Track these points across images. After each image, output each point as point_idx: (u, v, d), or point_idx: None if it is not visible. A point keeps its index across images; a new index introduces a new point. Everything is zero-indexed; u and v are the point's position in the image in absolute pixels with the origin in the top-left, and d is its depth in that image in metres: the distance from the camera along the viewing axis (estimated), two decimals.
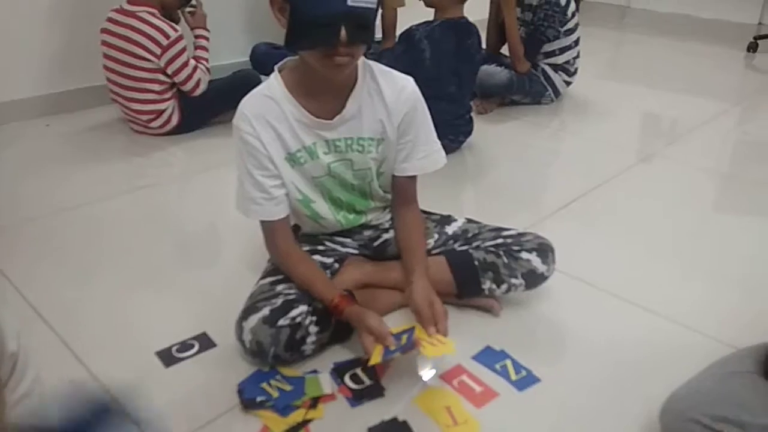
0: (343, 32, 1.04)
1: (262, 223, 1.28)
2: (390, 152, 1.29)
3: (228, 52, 2.92)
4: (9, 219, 1.77)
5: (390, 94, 1.24)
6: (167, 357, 1.27)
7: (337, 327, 1.25)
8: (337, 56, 1.08)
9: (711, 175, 2.31)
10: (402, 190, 1.36)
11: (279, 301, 1.21)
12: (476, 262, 1.34)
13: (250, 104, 1.21)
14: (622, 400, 1.18)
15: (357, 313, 1.18)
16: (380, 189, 1.36)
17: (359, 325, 1.17)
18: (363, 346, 1.16)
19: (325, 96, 1.20)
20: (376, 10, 1.11)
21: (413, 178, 1.34)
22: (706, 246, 1.79)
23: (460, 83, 2.22)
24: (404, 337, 1.15)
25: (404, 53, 2.16)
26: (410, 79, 1.28)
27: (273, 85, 1.21)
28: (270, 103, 1.20)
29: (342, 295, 1.21)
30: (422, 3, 2.21)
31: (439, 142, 1.35)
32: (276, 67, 1.23)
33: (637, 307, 1.48)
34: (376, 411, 1.14)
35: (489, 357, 1.29)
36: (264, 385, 1.17)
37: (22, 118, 2.50)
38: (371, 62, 1.25)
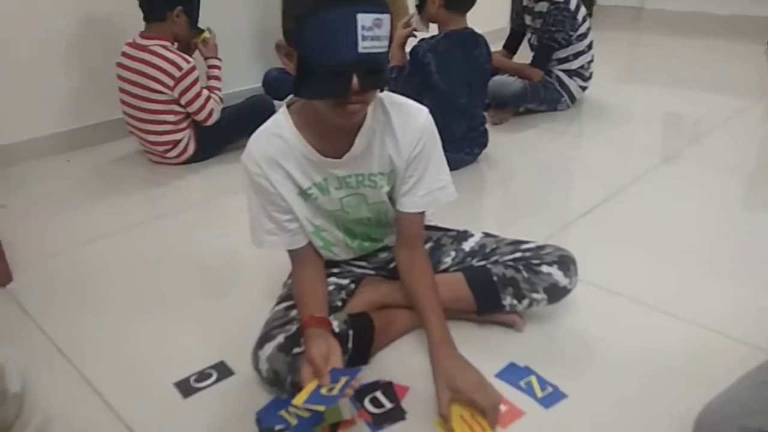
0: (355, 80, 0.97)
1: (289, 251, 1.26)
2: (399, 183, 1.24)
3: (241, 79, 2.96)
4: (30, 255, 1.79)
5: (400, 128, 1.17)
6: (186, 387, 1.26)
7: (354, 350, 1.22)
8: (350, 105, 1.02)
9: (737, 174, 2.24)
10: (405, 229, 1.26)
11: (293, 327, 1.20)
12: (495, 278, 1.30)
13: (257, 143, 1.18)
14: (654, 413, 1.13)
15: (308, 337, 1.11)
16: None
17: (305, 352, 1.11)
18: (300, 376, 1.07)
19: (333, 135, 1.15)
20: (388, 51, 1.02)
21: (418, 215, 1.25)
22: (734, 247, 1.72)
23: (471, 94, 2.20)
24: (343, 380, 1.03)
25: (411, 72, 2.16)
26: (424, 110, 1.21)
27: (281, 122, 1.17)
28: (278, 141, 1.16)
29: (314, 316, 1.16)
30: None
31: (448, 179, 1.25)
32: (285, 102, 1.21)
33: (666, 315, 1.43)
34: None
35: (513, 374, 1.25)
36: (282, 412, 1.15)
37: (44, 155, 2.55)
38: (383, 93, 1.18)
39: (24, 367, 0.81)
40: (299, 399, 1.01)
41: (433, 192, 1.23)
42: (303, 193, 1.21)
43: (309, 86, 1.02)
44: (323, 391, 1.02)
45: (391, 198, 1.26)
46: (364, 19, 0.94)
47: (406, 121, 1.18)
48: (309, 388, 1.03)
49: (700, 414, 0.96)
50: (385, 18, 0.97)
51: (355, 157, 1.17)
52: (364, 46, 0.95)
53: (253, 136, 1.19)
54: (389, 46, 1.02)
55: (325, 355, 1.07)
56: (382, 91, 1.11)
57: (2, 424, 0.69)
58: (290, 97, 1.20)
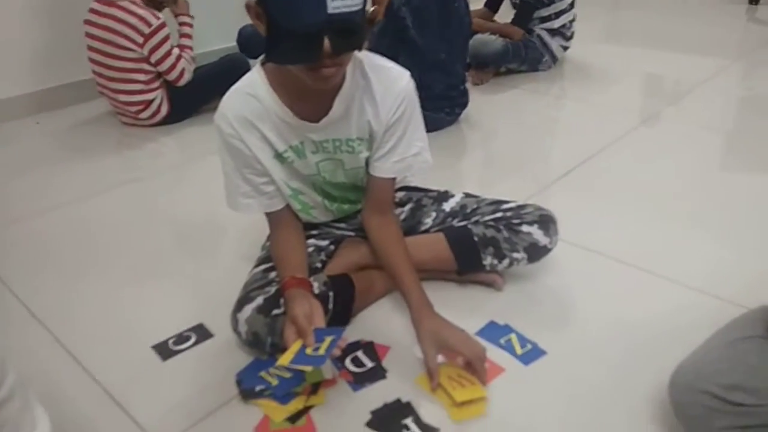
0: (327, 43, 0.92)
1: (267, 214, 1.24)
2: (375, 148, 1.20)
3: (215, 38, 2.86)
4: (0, 219, 1.75)
5: (380, 93, 1.13)
6: (164, 350, 1.24)
7: (335, 310, 1.21)
8: (324, 68, 0.97)
9: (716, 133, 2.25)
10: (375, 194, 1.24)
11: (272, 289, 1.18)
12: (476, 238, 1.30)
13: (231, 103, 1.13)
14: (634, 371, 1.14)
15: (289, 298, 1.10)
16: None
17: (287, 312, 1.10)
18: (283, 336, 1.07)
19: (310, 97, 1.10)
20: (363, 9, 0.96)
21: (390, 181, 1.23)
22: (715, 206, 1.74)
23: (450, 50, 2.15)
24: (328, 340, 1.02)
25: (386, 26, 2.09)
26: (405, 74, 1.16)
27: (256, 81, 1.12)
28: (252, 102, 1.11)
29: (295, 277, 1.14)
30: None
31: (424, 145, 1.22)
32: (260, 61, 1.15)
33: (647, 273, 1.44)
34: (378, 394, 1.11)
35: (493, 332, 1.25)
36: (263, 373, 1.14)
37: (11, 118, 2.47)
38: (363, 54, 1.13)
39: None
40: (285, 359, 1.00)
41: (407, 158, 1.20)
42: (279, 156, 1.17)
43: (279, 51, 0.98)
44: (308, 351, 1.02)
45: (368, 164, 1.24)
46: None
47: (387, 86, 1.14)
48: (294, 348, 1.02)
49: (673, 372, 0.97)
50: None
51: (333, 122, 1.13)
52: (334, 6, 0.90)
53: (226, 95, 1.14)
54: (363, 7, 0.96)
55: (308, 315, 1.06)
56: (360, 51, 1.07)
57: None
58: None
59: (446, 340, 1.09)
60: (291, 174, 1.21)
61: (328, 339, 1.03)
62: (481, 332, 1.25)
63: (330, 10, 0.90)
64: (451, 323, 1.13)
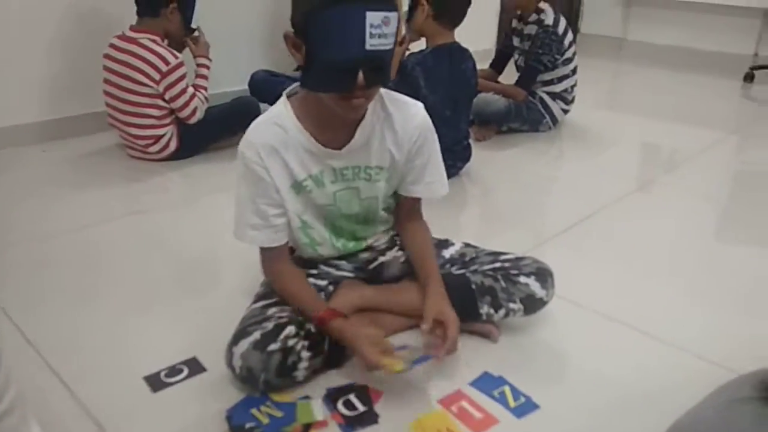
0: (360, 76, 1.02)
1: (262, 248, 1.26)
2: (398, 179, 1.29)
3: (227, 80, 2.94)
4: (0, 243, 1.75)
5: (400, 122, 1.22)
6: (155, 382, 1.23)
7: (330, 352, 1.22)
8: (354, 99, 1.07)
9: (710, 202, 2.30)
10: (408, 207, 1.36)
11: (270, 325, 1.18)
12: (473, 286, 1.31)
13: (258, 132, 1.18)
14: (625, 429, 1.14)
15: (344, 325, 1.18)
16: (384, 212, 1.35)
17: (350, 343, 1.16)
18: (364, 357, 1.14)
19: (334, 126, 1.18)
20: (393, 49, 1.07)
21: (419, 198, 1.35)
22: (706, 271, 1.76)
23: (456, 107, 2.22)
24: (407, 352, 1.18)
25: (399, 84, 2.17)
26: (421, 107, 1.27)
27: (282, 113, 1.19)
28: (278, 131, 1.18)
29: (329, 308, 1.19)
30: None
31: (444, 172, 1.35)
32: (285, 93, 1.22)
33: (639, 333, 1.45)
34: None
35: (487, 383, 1.25)
36: (254, 411, 1.13)
37: (19, 144, 2.49)
38: (382, 90, 1.22)
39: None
40: (397, 367, 1.11)
41: (440, 179, 1.33)
42: (297, 186, 1.21)
43: (315, 79, 1.06)
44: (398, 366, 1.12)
45: (387, 200, 1.32)
46: (372, 17, 0.97)
47: (406, 117, 1.24)
48: (395, 364, 1.12)
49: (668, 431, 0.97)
50: (393, 16, 1.01)
51: (355, 149, 1.20)
52: (371, 44, 0.99)
53: (253, 125, 1.20)
54: (393, 48, 1.05)
55: (380, 334, 1.18)
56: (385, 86, 1.15)
57: None
58: (291, 87, 1.22)
59: (442, 310, 1.22)
60: (305, 206, 1.25)
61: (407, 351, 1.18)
62: (475, 383, 1.25)
63: (368, 47, 0.99)
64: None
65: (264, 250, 1.27)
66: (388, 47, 1.03)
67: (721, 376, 1.06)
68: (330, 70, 1.02)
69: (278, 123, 1.18)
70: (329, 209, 1.27)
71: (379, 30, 0.99)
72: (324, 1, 0.98)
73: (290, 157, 1.18)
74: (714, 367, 1.32)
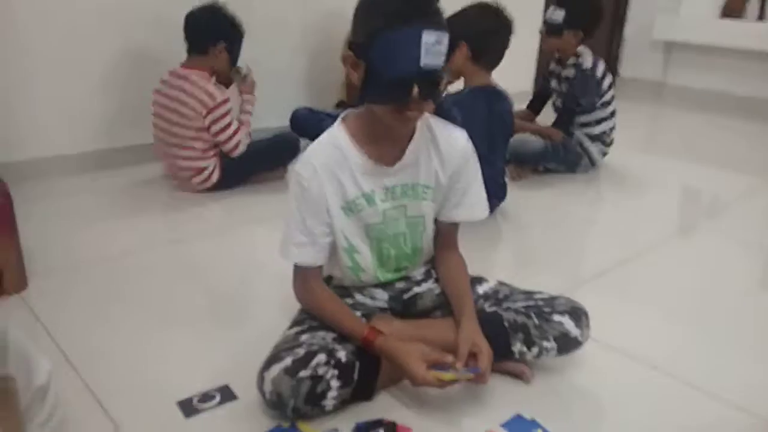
0: (415, 90, 1.10)
1: (296, 267, 1.30)
2: (441, 200, 1.34)
3: (270, 116, 3.03)
4: (48, 265, 1.82)
5: (444, 144, 1.30)
6: (188, 407, 1.25)
7: (360, 384, 1.22)
8: (409, 111, 1.15)
9: (753, 249, 2.23)
10: (446, 235, 1.40)
11: (302, 351, 1.19)
12: (506, 323, 1.30)
13: (316, 153, 1.25)
14: None
15: (393, 345, 1.20)
16: (431, 240, 1.39)
17: (398, 359, 1.18)
18: (412, 374, 1.16)
19: (386, 143, 1.25)
20: (444, 68, 1.15)
21: (456, 225, 1.39)
22: (750, 320, 1.70)
23: (492, 146, 2.23)
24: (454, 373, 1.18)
25: None
26: (464, 132, 1.34)
27: (337, 134, 1.26)
28: (335, 152, 1.25)
29: (373, 327, 1.22)
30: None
31: (485, 195, 1.39)
32: (340, 117, 1.29)
33: (679, 382, 1.40)
34: None
35: (519, 425, 1.23)
36: None
37: (69, 173, 2.61)
38: (427, 114, 1.29)
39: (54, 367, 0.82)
40: (446, 376, 1.16)
41: (481, 202, 1.38)
42: (348, 206, 1.26)
43: (375, 92, 1.15)
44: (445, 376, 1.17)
45: (434, 218, 1.37)
46: (428, 36, 1.07)
47: (450, 141, 1.31)
48: (444, 374, 1.17)
49: None
50: (446, 37, 1.11)
51: (405, 167, 1.27)
52: (425, 61, 1.08)
53: (310, 147, 1.27)
54: (446, 62, 1.14)
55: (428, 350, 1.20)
56: (436, 103, 1.20)
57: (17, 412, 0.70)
58: (345, 111, 1.29)
59: (476, 340, 1.24)
60: (354, 228, 1.29)
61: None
62: (507, 424, 1.23)
63: (422, 63, 1.08)
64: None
65: (298, 269, 1.30)
66: (440, 64, 1.11)
67: (765, 429, 1.02)
68: (388, 84, 1.11)
69: (334, 144, 1.25)
70: (378, 228, 1.30)
71: (434, 48, 1.08)
72: (385, 23, 1.08)
73: (345, 176, 1.25)
74: (758, 420, 1.26)
